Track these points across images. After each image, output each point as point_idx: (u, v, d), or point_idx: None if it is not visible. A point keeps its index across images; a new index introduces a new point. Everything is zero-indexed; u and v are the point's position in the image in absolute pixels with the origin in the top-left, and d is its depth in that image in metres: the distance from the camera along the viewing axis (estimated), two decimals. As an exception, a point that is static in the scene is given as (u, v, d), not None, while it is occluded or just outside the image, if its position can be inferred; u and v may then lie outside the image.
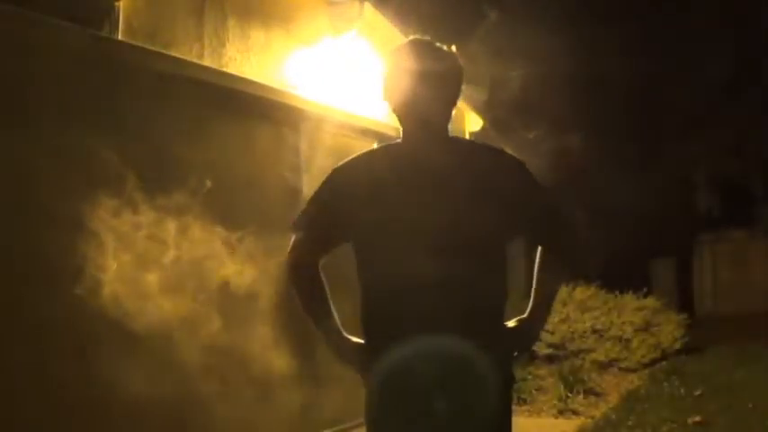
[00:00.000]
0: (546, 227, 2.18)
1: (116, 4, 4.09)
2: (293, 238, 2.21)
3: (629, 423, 6.08)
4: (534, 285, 2.23)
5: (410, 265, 2.00)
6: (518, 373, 7.53)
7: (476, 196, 2.05)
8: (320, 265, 2.20)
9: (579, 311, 9.19)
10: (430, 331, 1.98)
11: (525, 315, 2.22)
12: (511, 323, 2.19)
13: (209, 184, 3.99)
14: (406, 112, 2.14)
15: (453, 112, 2.17)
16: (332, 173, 2.20)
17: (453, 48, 2.24)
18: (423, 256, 1.99)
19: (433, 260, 1.98)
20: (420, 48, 2.14)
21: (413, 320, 2.00)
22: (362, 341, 2.16)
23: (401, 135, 2.18)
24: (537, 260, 2.23)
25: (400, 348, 1.99)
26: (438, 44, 2.17)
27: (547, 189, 2.20)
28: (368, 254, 2.12)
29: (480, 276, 2.05)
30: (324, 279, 2.20)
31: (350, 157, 2.21)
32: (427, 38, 2.20)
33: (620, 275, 9.92)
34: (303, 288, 2.20)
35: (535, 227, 2.17)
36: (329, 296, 2.20)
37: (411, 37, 2.19)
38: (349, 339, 2.19)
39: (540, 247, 2.22)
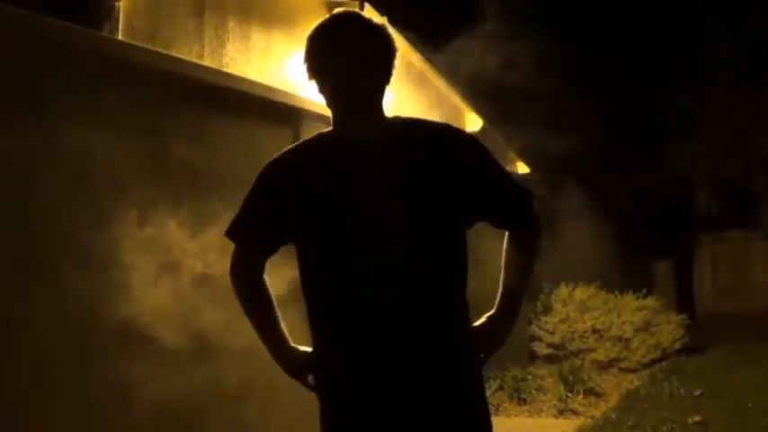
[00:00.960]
0: (500, 199, 1.98)
1: (116, 4, 4.10)
2: (233, 245, 2.03)
3: (629, 423, 6.08)
4: (502, 276, 2.04)
5: (362, 260, 1.82)
6: (518, 373, 7.61)
7: (422, 179, 1.86)
8: (264, 271, 2.03)
9: (579, 311, 9.20)
10: (390, 332, 1.81)
11: (493, 311, 2.02)
12: (478, 322, 1.99)
13: (207, 184, 4.00)
14: (332, 95, 1.90)
15: (387, 90, 1.94)
16: (264, 171, 2.00)
17: (385, 20, 2.03)
18: (375, 248, 1.82)
19: (386, 252, 1.82)
20: (341, 22, 1.90)
21: (370, 320, 1.82)
22: (312, 350, 1.97)
23: (332, 121, 1.96)
24: (504, 247, 2.05)
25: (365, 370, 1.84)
26: (365, 16, 1.93)
27: (497, 162, 2.00)
28: (316, 252, 1.90)
29: (436, 266, 1.86)
30: (268, 286, 2.04)
31: (280, 152, 2.00)
32: (353, 9, 1.99)
33: (620, 275, 9.92)
34: (245, 297, 2.04)
35: (490, 201, 1.97)
36: (274, 303, 2.04)
37: (335, 11, 1.95)
38: (297, 350, 2.03)
39: (506, 235, 2.04)
